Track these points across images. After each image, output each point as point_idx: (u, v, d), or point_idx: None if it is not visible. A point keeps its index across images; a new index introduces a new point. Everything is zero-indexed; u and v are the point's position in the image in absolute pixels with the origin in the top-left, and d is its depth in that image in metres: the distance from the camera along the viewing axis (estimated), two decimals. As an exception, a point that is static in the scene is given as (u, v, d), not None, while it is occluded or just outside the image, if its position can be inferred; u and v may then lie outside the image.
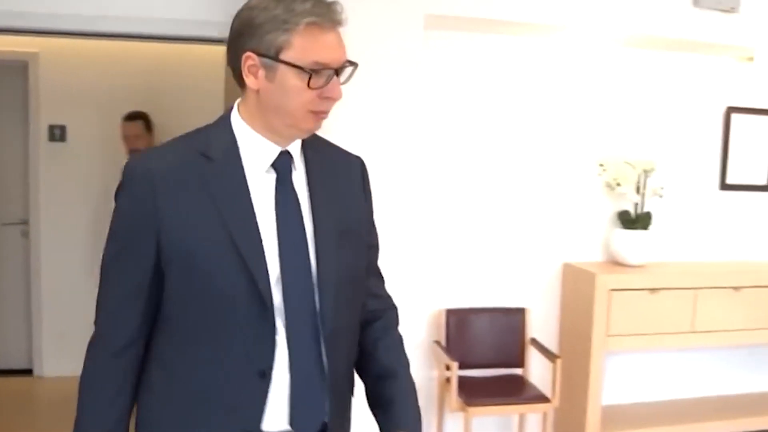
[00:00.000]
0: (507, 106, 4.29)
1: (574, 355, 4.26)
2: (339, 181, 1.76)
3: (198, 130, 1.69)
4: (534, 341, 4.32)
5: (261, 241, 1.57)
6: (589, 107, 4.41)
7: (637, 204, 4.34)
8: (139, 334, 1.64)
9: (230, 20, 1.61)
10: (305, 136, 1.67)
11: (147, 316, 1.64)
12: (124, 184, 1.62)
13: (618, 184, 4.26)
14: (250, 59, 1.55)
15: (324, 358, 1.64)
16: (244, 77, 1.58)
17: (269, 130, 1.62)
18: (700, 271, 4.42)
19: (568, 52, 4.34)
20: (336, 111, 1.64)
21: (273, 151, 1.64)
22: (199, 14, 4.03)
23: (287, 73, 1.52)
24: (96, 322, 1.67)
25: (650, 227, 4.35)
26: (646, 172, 4.29)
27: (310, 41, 1.51)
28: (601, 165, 4.30)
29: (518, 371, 4.35)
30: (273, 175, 1.64)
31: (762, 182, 4.78)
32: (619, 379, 4.63)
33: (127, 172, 1.62)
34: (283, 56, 1.51)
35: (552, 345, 4.39)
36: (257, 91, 1.58)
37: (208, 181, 1.57)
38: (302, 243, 1.63)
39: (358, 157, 1.87)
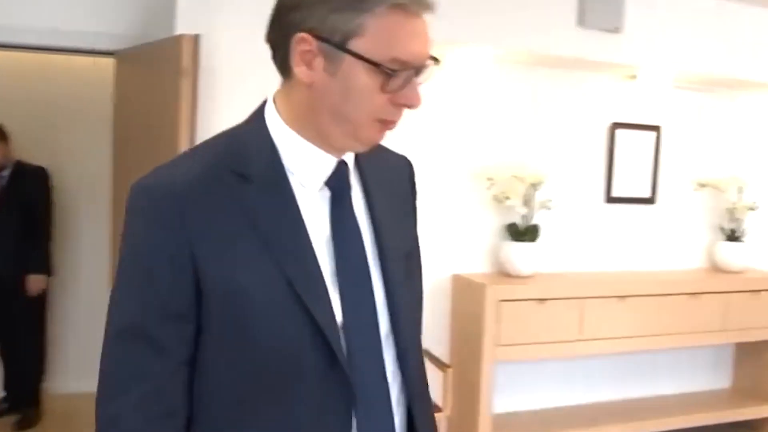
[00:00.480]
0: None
1: (465, 364, 4.34)
2: (394, 193, 1.43)
3: (222, 137, 1.29)
4: (425, 351, 4.36)
5: (323, 278, 1.22)
6: (479, 122, 4.50)
7: (525, 216, 4.45)
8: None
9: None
10: (364, 149, 1.29)
11: (189, 396, 1.23)
12: (138, 212, 1.20)
13: (507, 198, 4.36)
14: (304, 42, 1.17)
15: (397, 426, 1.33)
16: (293, 65, 1.20)
17: (320, 137, 1.25)
18: (587, 281, 4.57)
19: (459, 68, 4.42)
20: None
21: (328, 163, 1.27)
22: (73, 25, 3.98)
23: (356, 68, 1.16)
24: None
25: (538, 239, 4.47)
26: (534, 185, 4.40)
27: (392, 29, 1.15)
28: (490, 179, 4.39)
29: (411, 382, 4.38)
30: (326, 194, 1.28)
31: (645, 195, 4.97)
32: (510, 387, 4.72)
33: (142, 195, 1.20)
34: (353, 45, 1.15)
35: (443, 355, 4.46)
36: (309, 85, 1.20)
37: (250, 207, 1.19)
38: (367, 280, 1.29)
39: (404, 158, 1.55)
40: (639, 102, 4.88)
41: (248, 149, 1.23)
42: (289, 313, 1.18)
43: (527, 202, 4.41)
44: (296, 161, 1.24)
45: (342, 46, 1.15)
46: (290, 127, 1.25)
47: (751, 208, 5.02)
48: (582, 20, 4.42)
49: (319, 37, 1.16)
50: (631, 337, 4.54)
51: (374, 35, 1.14)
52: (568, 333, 4.38)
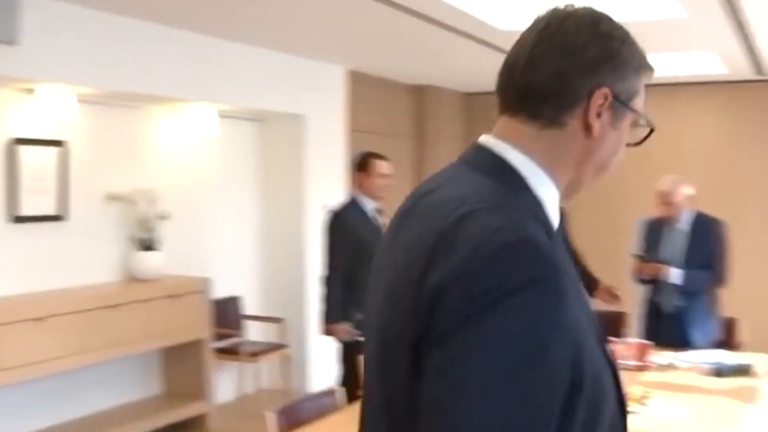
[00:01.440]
0: None
1: None
2: None
3: (481, 176, 1.15)
4: None
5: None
6: None
7: None
8: None
9: None
10: (569, 200, 1.25)
11: None
12: (542, 280, 1.01)
13: None
14: (603, 97, 1.16)
15: None
16: (590, 119, 1.16)
17: (568, 187, 1.22)
18: (-1, 307, 4.32)
19: None
20: None
21: (557, 215, 1.21)
22: None
23: (627, 125, 1.22)
24: None
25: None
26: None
27: (643, 93, 1.23)
28: None
29: None
30: None
31: (55, 212, 4.86)
32: None
33: (542, 257, 1.03)
34: (633, 105, 1.21)
35: None
36: (595, 138, 1.17)
37: (567, 270, 1.08)
38: None
39: None
40: (42, 117, 4.76)
41: (523, 199, 1.14)
42: (616, 400, 1.14)
43: None
44: (552, 213, 1.18)
45: (627, 104, 1.19)
46: (549, 176, 1.18)
47: (163, 217, 5.23)
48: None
49: (615, 95, 1.18)
50: (53, 359, 4.43)
51: (641, 97, 1.22)
52: (-18, 364, 4.11)
